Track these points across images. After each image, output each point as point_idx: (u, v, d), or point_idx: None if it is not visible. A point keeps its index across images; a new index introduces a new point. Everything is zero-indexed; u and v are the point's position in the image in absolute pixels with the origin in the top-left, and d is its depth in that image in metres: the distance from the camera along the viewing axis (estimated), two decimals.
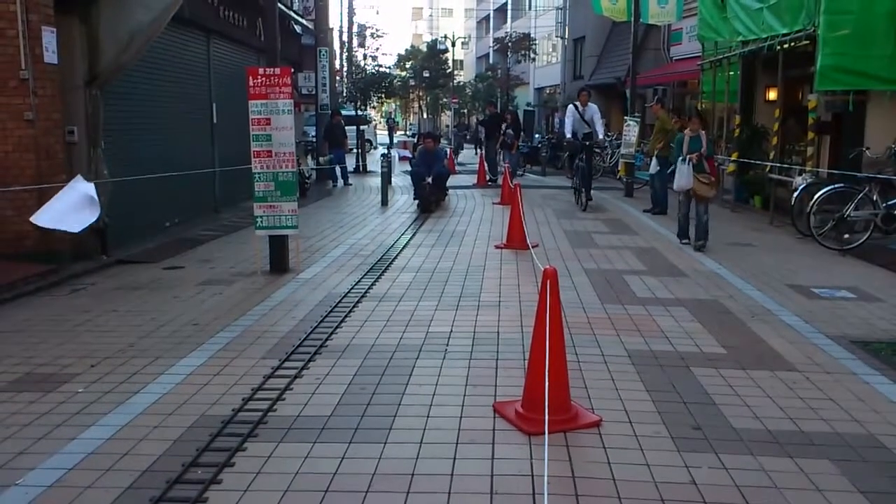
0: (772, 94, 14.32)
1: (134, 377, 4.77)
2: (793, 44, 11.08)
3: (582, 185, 13.66)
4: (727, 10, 13.50)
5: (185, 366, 4.99)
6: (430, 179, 13.66)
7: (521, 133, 22.17)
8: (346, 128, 20.39)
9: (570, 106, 14.28)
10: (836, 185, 9.86)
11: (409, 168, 14.70)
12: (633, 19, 17.37)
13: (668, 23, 19.75)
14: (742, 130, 13.98)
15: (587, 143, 13.80)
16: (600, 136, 14.42)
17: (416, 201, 13.93)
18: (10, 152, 7.82)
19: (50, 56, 7.92)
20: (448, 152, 19.84)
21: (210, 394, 4.48)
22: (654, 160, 13.10)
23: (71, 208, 6.33)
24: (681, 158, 9.30)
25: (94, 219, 6.53)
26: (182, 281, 7.73)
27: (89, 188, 6.42)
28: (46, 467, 3.52)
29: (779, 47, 11.53)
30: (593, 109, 14.03)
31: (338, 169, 19.01)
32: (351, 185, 18.92)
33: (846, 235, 9.39)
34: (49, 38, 7.88)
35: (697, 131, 9.42)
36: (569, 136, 14.03)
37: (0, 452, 3.68)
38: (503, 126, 19.63)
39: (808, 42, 10.58)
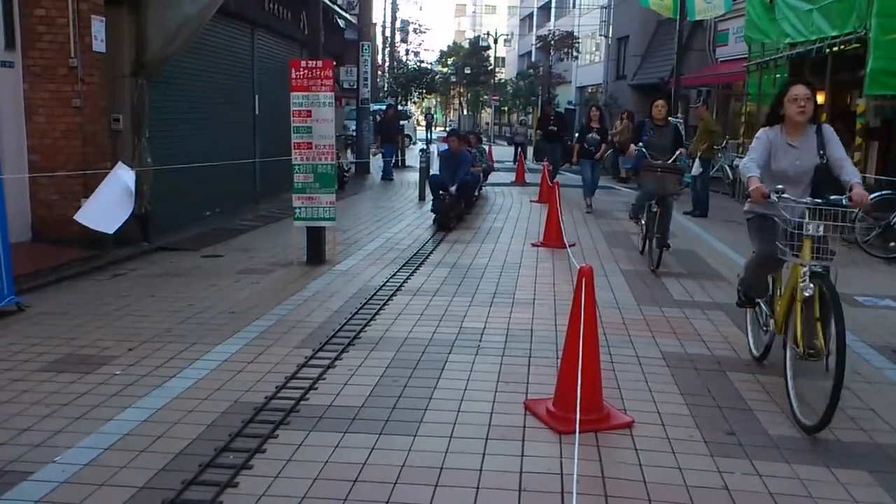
0: (819, 98, 14.03)
1: (170, 362, 4.85)
2: (842, 46, 10.87)
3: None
4: (775, 11, 13.29)
5: (220, 352, 5.05)
6: (453, 189, 11.19)
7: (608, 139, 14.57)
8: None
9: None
10: (883, 192, 9.64)
11: None
12: (678, 17, 17.17)
13: (716, 16, 19.37)
14: None
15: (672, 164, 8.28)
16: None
17: (434, 215, 11.15)
18: (58, 139, 7.98)
19: (98, 45, 8.07)
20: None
21: (244, 381, 4.53)
22: (696, 162, 12.93)
23: (111, 204, 6.40)
24: None
25: (126, 216, 6.63)
26: (220, 269, 7.83)
27: (129, 178, 6.51)
28: (83, 446, 3.59)
29: (828, 50, 11.31)
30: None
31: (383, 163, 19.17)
32: (392, 179, 19.00)
33: (892, 244, 9.18)
34: (98, 27, 8.03)
35: None
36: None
37: (40, 430, 3.77)
38: (564, 126, 17.17)
39: (858, 45, 10.37)
